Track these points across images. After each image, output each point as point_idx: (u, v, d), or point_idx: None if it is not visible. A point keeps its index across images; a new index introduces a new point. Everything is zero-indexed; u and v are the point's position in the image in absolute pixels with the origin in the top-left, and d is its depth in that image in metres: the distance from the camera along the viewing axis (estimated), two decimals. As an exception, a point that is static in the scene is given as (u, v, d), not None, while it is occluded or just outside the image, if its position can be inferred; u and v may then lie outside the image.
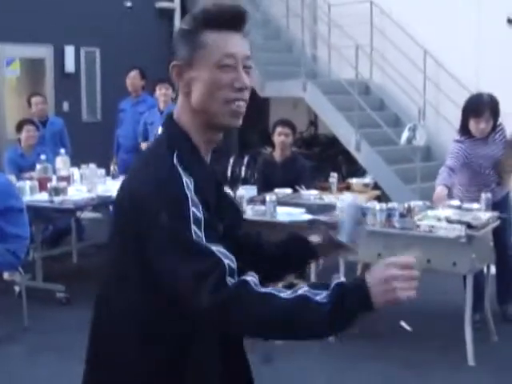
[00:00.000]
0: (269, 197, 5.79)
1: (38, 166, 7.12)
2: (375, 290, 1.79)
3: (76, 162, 7.96)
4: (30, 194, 6.75)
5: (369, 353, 5.42)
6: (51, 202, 6.55)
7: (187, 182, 1.89)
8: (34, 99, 8.90)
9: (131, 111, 9.08)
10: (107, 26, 11.50)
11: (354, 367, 5.19)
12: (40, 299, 6.59)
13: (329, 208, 5.71)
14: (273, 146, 7.36)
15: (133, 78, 9.12)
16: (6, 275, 6.93)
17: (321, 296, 1.79)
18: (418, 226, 5.16)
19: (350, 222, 2.23)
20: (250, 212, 5.79)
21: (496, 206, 5.84)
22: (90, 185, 7.01)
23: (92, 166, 7.40)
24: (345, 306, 1.79)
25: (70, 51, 11.31)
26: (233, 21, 1.98)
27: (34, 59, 11.35)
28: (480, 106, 5.83)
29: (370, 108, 10.48)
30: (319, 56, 12.39)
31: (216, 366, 2.03)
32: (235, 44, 1.97)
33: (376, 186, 8.24)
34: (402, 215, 5.26)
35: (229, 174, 11.97)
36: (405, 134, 9.27)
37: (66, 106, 11.42)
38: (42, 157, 7.26)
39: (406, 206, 5.43)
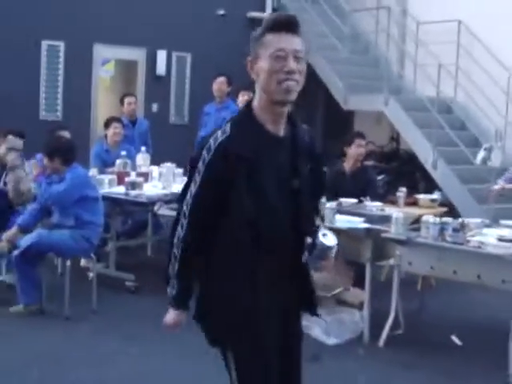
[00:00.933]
0: (329, 204, 6.04)
1: (118, 161, 7.55)
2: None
3: (159, 160, 8.33)
4: (109, 186, 7.18)
5: (415, 362, 5.57)
6: (127, 194, 6.97)
7: (214, 138, 2.71)
8: (127, 99, 9.38)
9: (215, 116, 9.41)
10: (199, 32, 11.93)
11: (398, 374, 5.36)
12: (111, 286, 7.01)
13: (388, 219, 5.90)
14: (344, 156, 7.56)
15: (220, 84, 9.47)
16: (82, 262, 7.41)
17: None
18: (469, 242, 5.31)
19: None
20: (310, 217, 6.02)
21: None
22: (165, 182, 7.39)
23: (169, 164, 7.75)
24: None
25: (162, 55, 11.78)
26: (285, 25, 2.70)
27: (127, 61, 11.89)
28: None
29: (450, 127, 10.58)
30: (405, 73, 12.53)
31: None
32: (285, 41, 2.68)
33: (443, 203, 8.33)
34: (455, 230, 5.41)
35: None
36: (480, 154, 9.35)
37: (155, 107, 11.89)
38: (123, 153, 7.69)
39: (460, 221, 5.58)
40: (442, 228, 5.41)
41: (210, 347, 2.89)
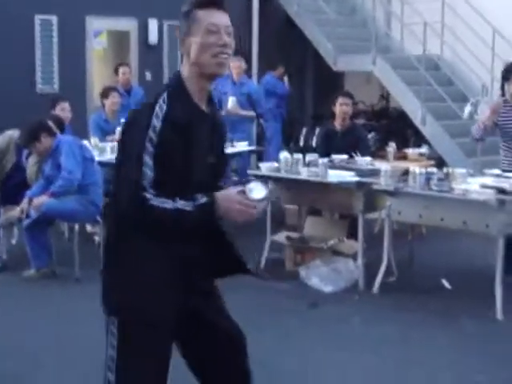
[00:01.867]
0: (321, 160, 6.36)
1: (118, 129, 7.84)
2: (221, 205, 2.68)
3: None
4: (111, 153, 7.49)
5: (406, 305, 5.93)
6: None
7: (158, 111, 2.70)
8: (122, 69, 9.65)
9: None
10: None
11: (390, 315, 5.72)
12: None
13: (377, 172, 6.22)
14: (333, 115, 7.85)
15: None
16: (88, 228, 7.73)
17: (189, 206, 2.66)
18: (453, 189, 5.64)
19: None
20: (305, 173, 6.37)
21: None
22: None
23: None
24: (202, 212, 2.68)
25: (153, 24, 12.00)
26: (214, 2, 2.80)
27: (119, 31, 12.12)
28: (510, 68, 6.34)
29: (437, 83, 10.84)
30: (392, 32, 12.77)
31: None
32: (217, 17, 2.78)
33: (433, 157, 8.64)
34: (440, 179, 5.74)
35: (301, 143, 12.49)
36: (467, 109, 9.61)
37: (148, 75, 12.14)
38: (122, 120, 7.96)
39: (445, 170, 5.90)
40: (428, 178, 5.73)
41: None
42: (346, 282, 6.29)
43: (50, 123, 6.78)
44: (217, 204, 2.68)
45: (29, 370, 4.72)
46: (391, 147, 7.78)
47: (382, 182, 5.99)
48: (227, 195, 2.70)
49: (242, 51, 10.05)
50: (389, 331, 5.40)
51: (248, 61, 11.39)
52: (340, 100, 7.60)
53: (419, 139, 11.21)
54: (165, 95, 2.74)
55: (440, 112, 10.64)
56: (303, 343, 5.13)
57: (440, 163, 8.86)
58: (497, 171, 6.30)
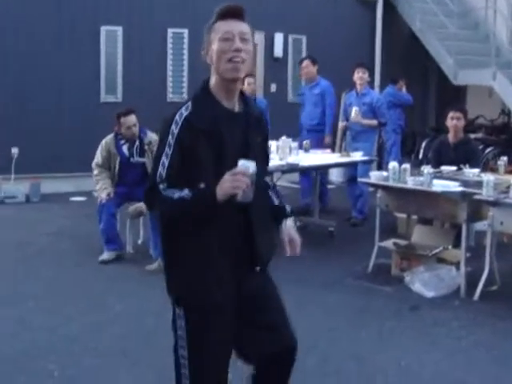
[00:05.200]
0: (426, 170, 6.63)
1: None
2: (218, 188, 2.84)
3: (277, 136, 9.03)
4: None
5: (505, 312, 6.11)
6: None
7: (177, 118, 2.98)
8: (247, 79, 10.14)
9: (309, 94, 10.07)
10: (313, 15, 12.59)
11: (488, 322, 5.90)
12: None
13: (482, 184, 6.42)
14: (447, 129, 8.08)
15: (305, 67, 10.11)
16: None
17: (188, 194, 2.90)
18: None
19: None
20: (411, 182, 6.65)
21: None
22: (282, 154, 8.15)
23: (284, 138, 8.49)
24: (200, 196, 2.90)
25: (279, 38, 12.51)
26: (232, 13, 3.05)
27: (247, 44, 12.66)
28: None
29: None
30: (516, 47, 12.81)
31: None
32: (232, 25, 3.02)
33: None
34: None
35: (420, 155, 12.70)
36: None
37: (273, 87, 12.65)
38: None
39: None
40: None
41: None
42: (448, 288, 6.52)
43: None
44: (213, 188, 2.85)
45: (142, 348, 5.21)
46: (502, 161, 7.93)
47: (484, 192, 6.20)
48: (225, 176, 2.85)
49: (367, 62, 10.37)
50: (484, 337, 5.59)
51: (371, 73, 11.71)
52: (451, 114, 7.83)
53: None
54: (189, 103, 3.04)
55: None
56: (400, 342, 5.42)
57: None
58: None
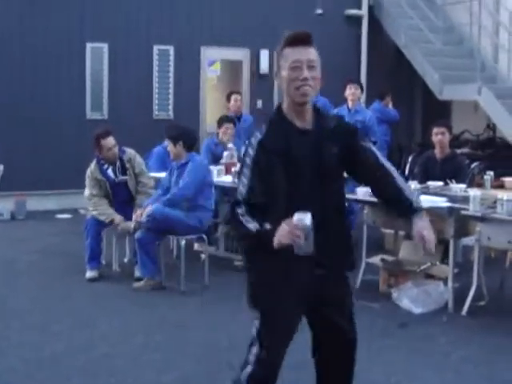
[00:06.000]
0: (413, 185, 6.64)
1: (226, 153, 8.35)
2: (276, 235, 3.07)
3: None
4: (218, 176, 7.98)
5: (493, 327, 6.12)
6: (233, 183, 7.74)
7: (252, 141, 3.28)
8: (234, 96, 10.18)
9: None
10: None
11: (476, 336, 5.92)
12: (220, 266, 7.84)
13: (469, 199, 6.43)
14: (433, 145, 8.09)
15: None
16: (195, 246, 8.23)
17: (255, 228, 3.18)
18: (539, 216, 5.83)
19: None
20: (397, 199, 6.64)
21: None
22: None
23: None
24: (262, 236, 3.15)
25: (264, 54, 12.54)
26: (300, 40, 3.27)
27: (232, 61, 12.71)
28: None
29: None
30: (500, 62, 12.89)
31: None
32: (300, 53, 3.23)
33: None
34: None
35: (406, 170, 12.70)
36: None
37: (259, 103, 12.66)
38: (230, 145, 8.49)
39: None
40: (517, 205, 5.93)
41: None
42: (436, 304, 6.52)
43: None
44: (273, 230, 3.09)
45: (129, 367, 5.18)
46: (489, 175, 7.94)
47: (471, 208, 6.21)
48: (282, 225, 3.07)
49: (358, 78, 10.37)
50: (472, 352, 5.59)
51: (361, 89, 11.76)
52: (435, 130, 7.86)
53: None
54: (264, 127, 3.31)
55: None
56: (390, 359, 5.41)
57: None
58: None
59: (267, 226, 3.13)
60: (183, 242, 7.11)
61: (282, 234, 3.04)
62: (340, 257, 3.46)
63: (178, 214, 7.02)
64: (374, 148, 3.46)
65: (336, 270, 3.47)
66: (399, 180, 3.45)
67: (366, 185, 3.70)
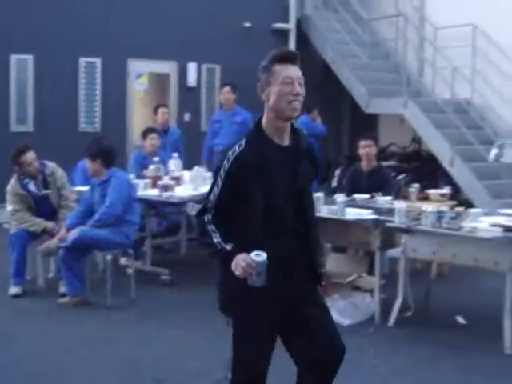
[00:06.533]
0: (339, 198, 6.68)
1: (151, 167, 8.27)
2: (234, 262, 3.29)
3: (191, 166, 8.99)
4: (144, 189, 7.90)
5: (420, 338, 6.19)
6: (159, 196, 7.69)
7: (230, 154, 3.36)
8: (161, 109, 10.10)
9: (227, 122, 10.06)
10: (227, 44, 12.64)
11: (403, 347, 5.98)
12: (147, 280, 7.72)
13: (394, 211, 6.49)
14: (360, 157, 8.15)
15: (226, 93, 10.15)
16: (122, 260, 8.12)
17: (217, 243, 3.40)
18: (462, 228, 5.92)
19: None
20: (324, 211, 6.68)
21: None
22: (195, 184, 8.08)
23: (198, 168, 8.45)
24: (222, 255, 3.39)
25: (192, 67, 12.50)
26: (289, 58, 3.41)
27: (160, 74, 12.65)
28: None
29: (466, 127, 11.15)
30: (425, 77, 13.11)
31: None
32: (291, 71, 3.37)
33: (453, 197, 8.88)
34: (452, 218, 6.03)
35: (334, 183, 12.79)
36: (493, 152, 9.87)
37: (186, 116, 12.61)
38: (155, 159, 8.42)
39: (456, 210, 6.19)
40: (440, 216, 6.01)
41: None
42: (363, 315, 6.56)
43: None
44: (233, 255, 3.30)
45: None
46: (414, 188, 8.05)
47: (396, 220, 6.27)
48: (238, 258, 3.27)
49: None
50: (399, 363, 5.65)
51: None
52: (362, 142, 7.94)
53: (449, 181, 11.45)
54: (243, 140, 3.39)
55: (468, 154, 10.90)
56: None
57: (470, 205, 9.09)
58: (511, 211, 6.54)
59: (228, 246, 3.34)
60: (109, 257, 7.00)
61: (237, 267, 3.25)
62: (314, 269, 3.58)
63: (105, 233, 6.91)
64: None
65: (311, 281, 3.59)
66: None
67: None
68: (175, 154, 8.90)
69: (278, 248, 3.35)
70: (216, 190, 3.39)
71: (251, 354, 3.51)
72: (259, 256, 3.23)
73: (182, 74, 12.57)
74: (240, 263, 3.23)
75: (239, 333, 3.49)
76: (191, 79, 12.59)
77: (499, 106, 11.73)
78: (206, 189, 7.75)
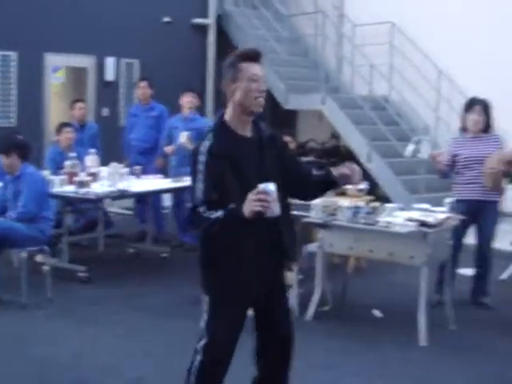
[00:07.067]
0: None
1: (67, 163, 8.13)
2: (245, 207, 3.35)
3: (110, 161, 8.85)
4: (60, 185, 7.76)
5: (336, 331, 6.28)
6: (76, 192, 7.56)
7: (202, 149, 3.56)
8: (78, 104, 9.92)
9: (143, 116, 9.95)
10: (146, 39, 12.53)
11: (319, 341, 6.05)
12: (64, 277, 7.58)
13: (308, 207, 6.51)
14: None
15: (142, 88, 10.06)
16: (38, 258, 7.95)
17: (222, 214, 3.46)
18: (378, 222, 6.00)
19: None
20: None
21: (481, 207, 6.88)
22: (111, 180, 7.98)
23: (114, 164, 8.34)
24: (231, 215, 3.43)
25: (110, 62, 12.34)
26: (255, 57, 3.61)
27: (77, 68, 12.45)
28: (472, 101, 7.11)
29: (384, 123, 11.32)
30: (343, 73, 13.26)
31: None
32: (257, 68, 3.59)
33: (371, 192, 8.98)
34: (368, 213, 6.11)
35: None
36: (409, 148, 10.03)
37: (105, 111, 12.45)
38: (72, 154, 8.28)
39: (372, 205, 6.27)
40: (356, 212, 6.09)
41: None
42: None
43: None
44: (239, 207, 3.38)
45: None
46: (332, 183, 8.12)
47: (313, 215, 6.32)
48: (248, 196, 3.38)
49: (196, 88, 10.36)
50: (317, 357, 5.70)
51: (202, 99, 11.77)
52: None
53: (368, 177, 11.60)
54: (210, 134, 3.60)
55: (385, 150, 11.07)
56: (236, 367, 5.40)
57: (387, 200, 9.22)
58: (426, 206, 6.65)
59: (231, 205, 3.42)
60: (24, 254, 6.86)
61: (251, 203, 3.32)
62: (288, 251, 3.80)
63: (19, 225, 6.78)
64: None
65: (284, 262, 3.88)
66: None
67: (291, 190, 3.85)
68: (92, 150, 8.76)
69: (253, 234, 3.54)
70: (201, 186, 3.55)
71: (222, 333, 3.72)
72: (266, 184, 3.35)
73: (100, 68, 12.39)
74: (253, 197, 3.32)
75: (214, 310, 3.73)
76: (109, 74, 12.41)
77: (416, 102, 11.96)
78: (123, 185, 7.86)
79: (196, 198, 3.56)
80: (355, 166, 3.87)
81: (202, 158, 3.55)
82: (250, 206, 3.32)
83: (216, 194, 3.51)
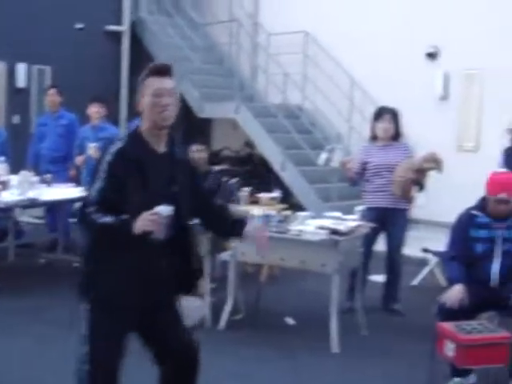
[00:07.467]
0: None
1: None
2: (137, 222, 3.34)
3: (21, 169, 8.67)
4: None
5: (250, 340, 6.27)
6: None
7: (111, 148, 3.52)
8: (-15, 111, 9.70)
9: (52, 125, 9.77)
10: (58, 45, 12.32)
11: (231, 350, 6.05)
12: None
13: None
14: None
15: (51, 95, 9.90)
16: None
17: (111, 220, 3.43)
18: (289, 230, 6.04)
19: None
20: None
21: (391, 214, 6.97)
22: (21, 188, 7.82)
23: (24, 172, 8.18)
24: (120, 225, 3.41)
25: (21, 68, 12.11)
26: (162, 71, 3.59)
27: (-13, 74, 12.17)
28: (381, 110, 7.28)
29: (297, 132, 11.43)
30: (258, 82, 13.33)
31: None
32: (162, 83, 3.56)
33: (284, 200, 9.07)
34: (280, 221, 6.14)
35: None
36: (323, 156, 10.14)
37: (16, 118, 12.20)
38: (-19, 159, 8.09)
39: (284, 213, 6.31)
40: (268, 220, 6.10)
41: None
42: (193, 319, 6.53)
43: None
44: (132, 220, 3.35)
45: None
46: (244, 191, 8.15)
47: (225, 224, 6.30)
48: (143, 214, 3.35)
49: (104, 97, 10.20)
50: (231, 366, 5.70)
51: (115, 107, 11.67)
52: (193, 148, 7.92)
53: (282, 185, 11.68)
54: (125, 137, 3.60)
55: (299, 159, 11.18)
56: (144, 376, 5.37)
57: (301, 209, 9.31)
58: (338, 214, 6.73)
59: (124, 216, 3.39)
60: None
61: (145, 221, 3.31)
62: (186, 275, 3.79)
63: None
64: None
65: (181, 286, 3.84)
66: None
67: (198, 215, 3.96)
68: (1, 158, 8.57)
69: (145, 252, 3.49)
70: (98, 184, 3.51)
71: (104, 349, 3.62)
72: (164, 209, 3.35)
73: (11, 74, 12.13)
74: (147, 217, 3.31)
75: (94, 326, 3.61)
76: (20, 80, 12.17)
77: (329, 111, 12.10)
78: (33, 193, 7.71)
79: (89, 196, 3.54)
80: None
81: (107, 158, 3.52)
82: (142, 224, 3.32)
83: (113, 196, 3.47)
